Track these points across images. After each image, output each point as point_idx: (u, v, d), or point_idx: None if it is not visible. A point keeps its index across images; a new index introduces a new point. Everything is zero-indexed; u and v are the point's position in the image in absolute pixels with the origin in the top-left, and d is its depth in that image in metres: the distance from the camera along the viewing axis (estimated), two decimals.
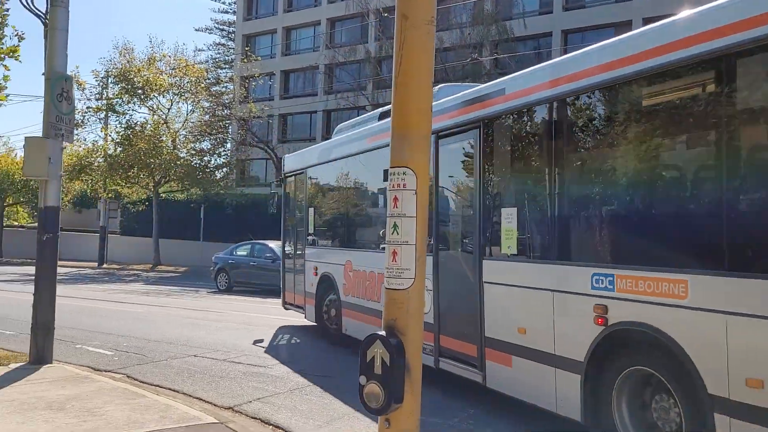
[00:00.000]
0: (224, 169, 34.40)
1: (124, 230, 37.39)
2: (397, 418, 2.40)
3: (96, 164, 32.05)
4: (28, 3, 8.45)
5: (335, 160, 10.07)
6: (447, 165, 7.06)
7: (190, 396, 6.72)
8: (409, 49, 2.38)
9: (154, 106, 33.04)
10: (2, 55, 11.50)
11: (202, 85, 33.48)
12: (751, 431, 3.65)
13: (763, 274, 3.58)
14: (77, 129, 28.74)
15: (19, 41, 11.48)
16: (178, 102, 33.96)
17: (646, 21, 23.92)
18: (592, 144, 5.22)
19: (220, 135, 33.92)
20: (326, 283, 10.17)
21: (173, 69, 32.24)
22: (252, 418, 6.04)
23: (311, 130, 43.95)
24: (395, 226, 2.42)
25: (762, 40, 3.59)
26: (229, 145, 34.83)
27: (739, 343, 3.72)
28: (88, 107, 32.11)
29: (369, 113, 10.32)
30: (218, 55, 58.24)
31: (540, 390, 5.35)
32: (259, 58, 38.84)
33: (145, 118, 33.89)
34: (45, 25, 8.36)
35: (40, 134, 8.21)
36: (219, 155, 34.09)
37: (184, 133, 33.53)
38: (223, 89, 40.10)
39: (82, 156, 32.02)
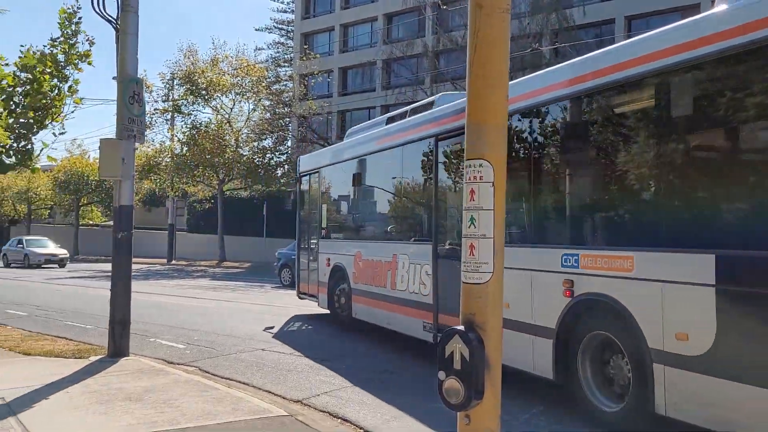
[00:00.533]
0: (285, 166, 34.99)
1: (191, 227, 38.60)
2: (477, 414, 2.36)
3: (163, 164, 33.19)
4: (100, 9, 8.77)
5: (347, 160, 10.99)
6: (445, 164, 8.01)
7: (259, 389, 6.85)
8: (484, 38, 2.32)
9: (218, 106, 33.92)
10: (76, 60, 12.04)
11: (263, 84, 34.13)
12: (679, 375, 4.55)
13: (689, 249, 4.54)
14: (146, 130, 29.80)
15: (90, 46, 11.98)
16: (240, 101, 34.76)
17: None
18: (561, 150, 6.30)
19: (280, 133, 34.51)
20: (338, 273, 11.00)
21: (235, 69, 32.99)
22: (320, 411, 6.10)
23: None
24: (472, 219, 2.37)
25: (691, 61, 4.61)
26: (289, 143, 35.39)
27: (671, 306, 4.65)
28: (155, 109, 33.27)
29: (377, 118, 11.42)
30: (278, 54, 59.22)
31: (520, 354, 6.21)
32: (318, 55, 39.23)
33: (209, 118, 34.86)
34: (116, 29, 8.65)
35: (112, 136, 8.54)
36: (280, 153, 34.70)
37: (246, 131, 34.29)
38: (283, 87, 40.75)
39: (150, 156, 33.20)
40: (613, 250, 5.24)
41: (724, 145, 4.63)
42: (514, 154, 6.70)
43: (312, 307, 12.61)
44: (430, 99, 9.60)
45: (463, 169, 5.12)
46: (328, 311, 11.50)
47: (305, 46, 43.44)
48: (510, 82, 5.93)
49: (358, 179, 10.68)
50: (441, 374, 2.35)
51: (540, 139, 6.43)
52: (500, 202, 2.39)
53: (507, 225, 5.60)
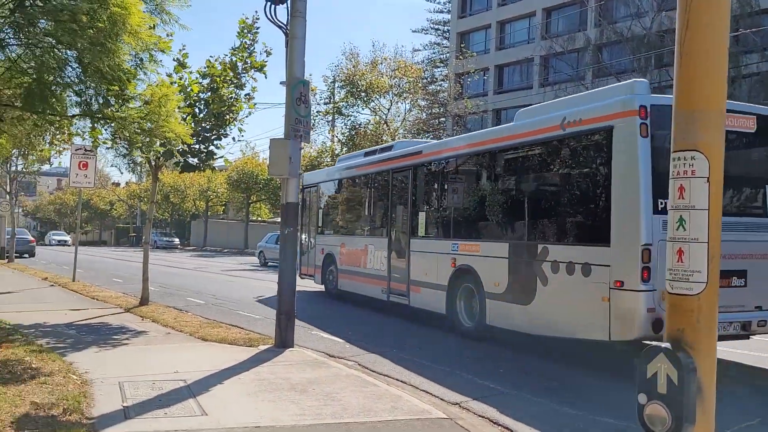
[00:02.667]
0: None
1: None
2: None
3: (324, 164, 34.68)
4: (271, 15, 9.24)
5: (336, 179, 15.88)
6: (396, 188, 12.72)
7: (417, 388, 6.79)
8: (698, 12, 1.99)
9: (376, 107, 34.79)
10: (252, 70, 12.85)
11: (420, 84, 34.47)
12: (495, 303, 9.04)
13: (500, 240, 9.20)
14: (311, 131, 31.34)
15: (267, 56, 12.74)
16: (397, 102, 35.40)
17: None
18: (454, 182, 11.02)
19: (435, 132, 34.66)
20: (329, 259, 15.42)
21: (393, 71, 33.64)
22: (479, 416, 5.89)
23: None
24: (681, 220, 2.05)
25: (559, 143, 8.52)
26: None
27: (492, 269, 9.17)
28: (317, 112, 34.85)
29: (359, 151, 17.01)
30: (433, 54, 59.61)
31: (432, 302, 10.78)
32: (474, 54, 38.88)
33: (367, 119, 35.87)
34: (286, 35, 9.05)
35: (281, 137, 8.95)
36: None
37: (402, 131, 34.86)
38: (438, 87, 40.90)
39: (313, 157, 34.86)
40: (471, 241, 9.95)
41: (515, 187, 9.33)
42: (428, 188, 11.85)
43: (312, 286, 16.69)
44: (390, 144, 14.74)
45: (403, 190, 12.34)
46: (322, 286, 15.88)
47: (461, 45, 43.27)
48: (426, 144, 13.00)
49: (343, 193, 15.51)
50: (641, 397, 2.03)
51: (440, 179, 11.49)
52: (716, 201, 2.03)
53: (427, 226, 11.52)
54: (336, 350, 8.77)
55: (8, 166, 27.30)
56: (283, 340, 8.46)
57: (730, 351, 8.56)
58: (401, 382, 7.05)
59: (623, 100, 7.35)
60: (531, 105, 11.34)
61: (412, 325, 11.19)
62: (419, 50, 67.21)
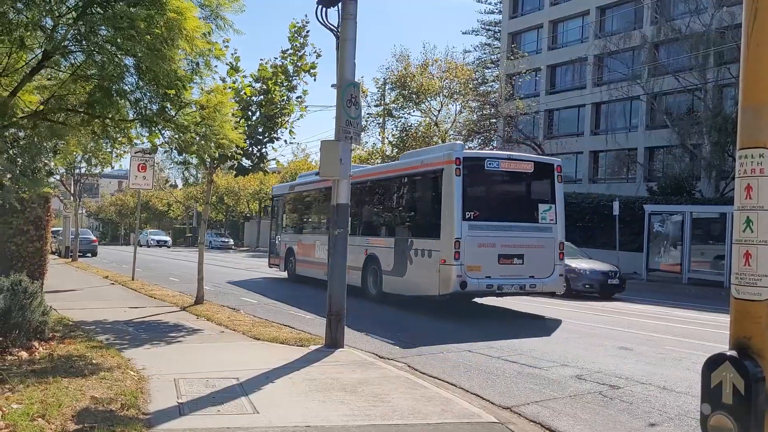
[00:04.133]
0: None
1: None
2: None
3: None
4: (322, 18, 9.31)
5: (295, 191, 21.10)
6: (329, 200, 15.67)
7: (467, 391, 6.72)
8: None
9: (426, 109, 34.70)
10: (303, 72, 12.99)
11: (470, 86, 34.21)
12: (388, 277, 13.97)
13: (390, 237, 14.37)
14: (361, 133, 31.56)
15: (316, 58, 12.86)
16: (448, 103, 35.22)
17: None
18: (367, 198, 16.10)
19: (487, 133, 34.32)
20: (289, 251, 20.36)
21: (444, 72, 33.49)
22: (531, 421, 5.80)
23: (579, 125, 42.09)
24: (748, 222, 1.93)
25: (418, 176, 13.81)
26: (495, 143, 35.04)
27: (387, 256, 14.03)
28: (368, 114, 34.98)
29: (311, 171, 23.49)
30: (484, 55, 59.10)
31: (354, 279, 13.47)
32: (526, 54, 38.32)
33: (418, 120, 35.78)
34: (337, 37, 9.11)
35: (331, 138, 9.00)
36: None
37: (452, 133, 34.66)
38: (489, 88, 40.50)
39: (364, 158, 35.01)
40: (375, 238, 14.77)
41: (397, 203, 14.76)
42: (352, 201, 12.56)
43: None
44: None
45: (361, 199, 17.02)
46: (285, 273, 20.86)
47: (513, 45, 42.72)
48: (360, 168, 18.68)
49: (300, 202, 20.74)
50: (705, 407, 1.92)
51: (360, 195, 15.49)
52: None
53: (352, 228, 14.98)
54: (385, 351, 8.77)
55: (72, 169, 28.46)
56: (334, 340, 8.51)
57: None
58: (450, 384, 6.99)
59: (448, 153, 12.24)
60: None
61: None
62: (470, 51, 66.90)
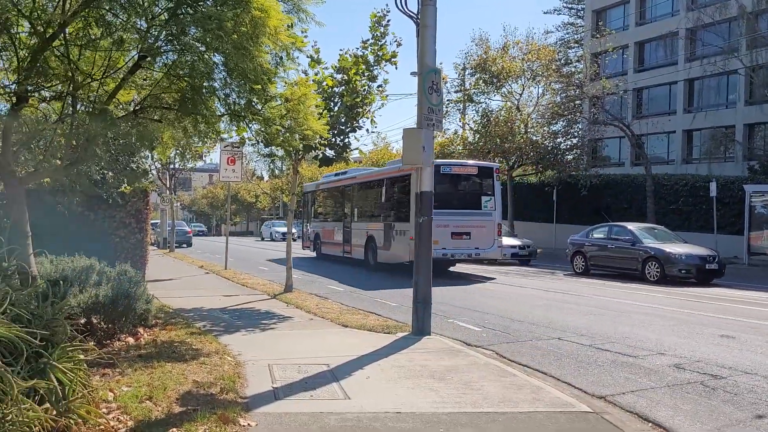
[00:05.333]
0: (575, 151, 33.60)
1: None
2: None
3: (456, 152, 34.46)
4: (402, 6, 9.30)
5: (321, 189, 26.51)
6: (345, 196, 23.77)
7: (558, 380, 6.58)
8: None
9: (507, 92, 34.01)
10: (384, 62, 13.04)
11: (553, 67, 33.20)
12: (382, 251, 19.65)
13: (381, 221, 19.86)
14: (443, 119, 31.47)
15: (397, 47, 12.88)
16: (530, 86, 34.37)
17: None
18: (368, 193, 22.03)
19: (571, 116, 33.25)
20: (316, 236, 26.34)
21: (525, 54, 32.68)
22: (627, 411, 5.60)
23: (671, 103, 40.03)
24: None
25: (396, 178, 19.47)
26: (580, 125, 33.88)
27: (380, 234, 19.66)
28: (448, 100, 34.65)
29: (338, 171, 27.25)
30: (567, 35, 57.19)
31: (359, 254, 21.36)
32: (612, 31, 36.75)
33: (498, 105, 35.14)
34: (416, 24, 9.07)
35: (413, 126, 8.99)
36: (573, 136, 33.43)
37: (535, 116, 33.83)
38: (573, 69, 39.18)
39: (444, 144, 34.78)
40: (372, 223, 20.43)
41: (386, 197, 20.03)
42: (358, 196, 22.69)
43: None
44: (345, 170, 25.68)
45: (342, 198, 24.94)
46: (314, 253, 26.70)
47: (598, 23, 41.09)
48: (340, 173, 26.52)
49: (325, 197, 26.24)
50: None
51: (363, 192, 22.35)
52: None
53: (358, 216, 23.67)
54: (472, 338, 8.69)
55: (168, 164, 30.00)
56: (421, 328, 8.54)
57: None
58: (540, 372, 6.87)
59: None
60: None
61: (347, 266, 22.60)
62: (551, 32, 64.86)
